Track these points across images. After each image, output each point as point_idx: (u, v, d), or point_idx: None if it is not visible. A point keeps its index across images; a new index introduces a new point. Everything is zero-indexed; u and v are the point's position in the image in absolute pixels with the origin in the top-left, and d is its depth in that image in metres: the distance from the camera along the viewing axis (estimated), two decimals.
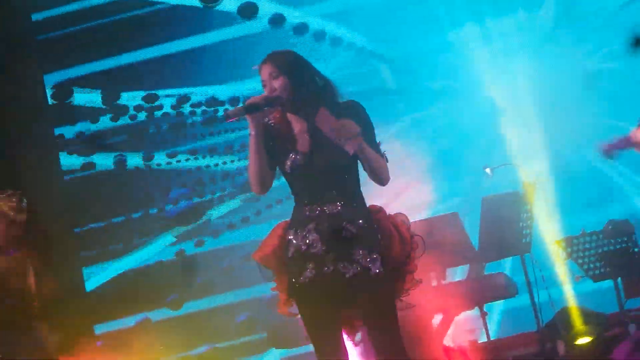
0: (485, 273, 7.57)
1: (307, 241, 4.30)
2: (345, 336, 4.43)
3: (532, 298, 7.47)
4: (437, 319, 7.14)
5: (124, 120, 9.39)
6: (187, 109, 9.39)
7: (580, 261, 7.43)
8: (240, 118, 4.28)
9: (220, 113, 9.24)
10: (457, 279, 7.86)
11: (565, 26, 9.32)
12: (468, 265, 7.62)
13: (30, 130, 8.40)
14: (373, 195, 4.50)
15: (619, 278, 7.40)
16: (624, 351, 6.85)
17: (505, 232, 7.44)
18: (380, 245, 4.31)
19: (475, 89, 9.33)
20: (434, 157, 8.40)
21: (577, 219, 8.41)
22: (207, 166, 9.49)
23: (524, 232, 7.51)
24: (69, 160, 9.23)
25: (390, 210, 4.44)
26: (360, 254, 4.26)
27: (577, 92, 8.93)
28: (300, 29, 9.30)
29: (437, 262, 6.89)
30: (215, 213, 9.49)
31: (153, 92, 9.33)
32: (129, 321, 9.19)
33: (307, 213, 4.32)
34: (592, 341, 7.00)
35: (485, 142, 9.22)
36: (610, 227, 7.40)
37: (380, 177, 4.32)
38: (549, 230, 7.88)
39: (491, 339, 7.71)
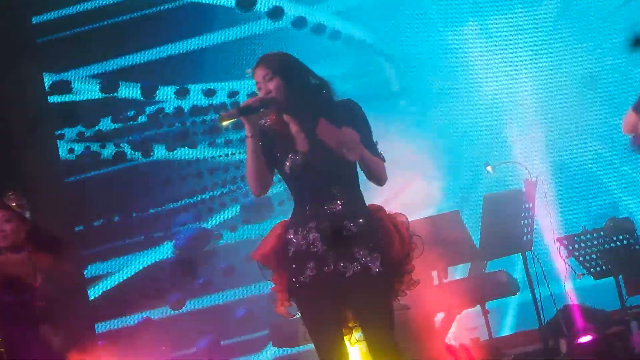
0: (487, 271, 7.56)
1: (308, 240, 4.29)
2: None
3: (533, 295, 7.46)
4: (439, 317, 7.13)
5: (123, 122, 9.43)
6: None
7: (581, 259, 7.42)
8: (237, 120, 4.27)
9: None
10: (458, 277, 7.85)
11: (566, 23, 9.32)
12: (469, 263, 7.61)
13: (31, 132, 8.41)
14: (373, 193, 4.49)
15: (620, 275, 7.39)
16: None
17: (507, 229, 7.44)
18: (381, 244, 4.30)
19: (476, 87, 9.33)
20: (435, 155, 8.38)
21: (578, 217, 8.42)
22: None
23: (525, 229, 7.50)
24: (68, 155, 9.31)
25: (391, 209, 4.44)
26: (361, 253, 4.26)
27: (579, 89, 8.93)
28: (301, 24, 9.34)
29: (438, 260, 6.89)
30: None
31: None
32: (130, 320, 9.20)
33: (307, 212, 4.31)
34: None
35: (486, 140, 9.22)
36: (611, 224, 7.39)
37: (379, 179, 4.32)
38: (550, 228, 7.87)
39: (493, 336, 7.70)
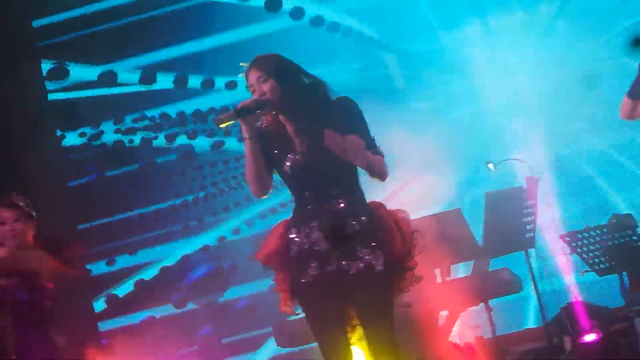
0: (490, 269, 7.55)
1: (310, 239, 4.29)
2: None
3: (537, 293, 7.45)
4: (442, 316, 7.12)
5: (125, 125, 9.45)
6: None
7: (584, 256, 7.39)
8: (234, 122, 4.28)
9: None
10: (461, 275, 7.84)
11: (566, 21, 9.31)
12: (472, 261, 7.59)
13: (31, 132, 8.41)
14: (373, 192, 4.48)
15: (624, 272, 7.38)
16: None
17: (509, 227, 7.42)
18: (382, 242, 4.29)
19: (478, 84, 9.32)
20: (437, 152, 8.38)
21: (581, 213, 8.41)
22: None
23: (527, 227, 7.49)
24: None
25: (393, 206, 4.43)
26: (364, 251, 4.25)
27: (580, 85, 8.91)
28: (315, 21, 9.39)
29: (441, 258, 6.88)
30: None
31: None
32: (133, 319, 9.22)
33: (309, 211, 4.31)
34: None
35: (488, 137, 9.21)
36: (614, 221, 7.38)
37: (381, 176, 4.31)
38: (552, 225, 7.86)
39: (497, 334, 7.69)
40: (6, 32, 8.50)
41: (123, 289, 9.38)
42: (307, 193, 4.33)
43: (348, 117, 4.29)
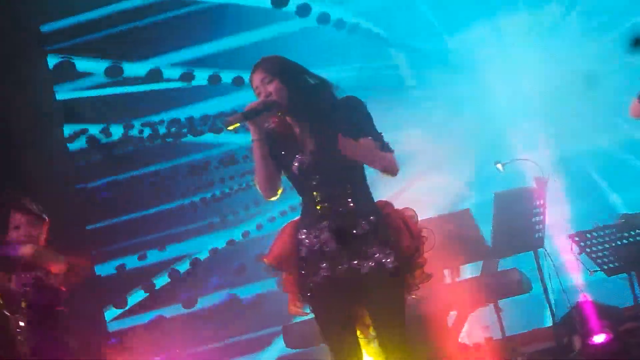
0: (499, 269, 7.54)
1: (320, 240, 4.29)
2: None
3: (546, 293, 7.45)
4: (451, 316, 7.12)
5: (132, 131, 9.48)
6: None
7: (594, 255, 7.39)
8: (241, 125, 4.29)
9: None
10: (470, 276, 7.83)
11: (572, 21, 9.31)
12: (481, 261, 7.59)
13: (31, 132, 8.44)
14: (380, 192, 4.49)
15: (633, 272, 7.37)
16: None
17: (518, 227, 7.42)
18: (391, 240, 4.30)
19: (486, 84, 9.32)
20: (446, 153, 8.39)
21: (590, 213, 8.39)
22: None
23: (536, 227, 7.48)
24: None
25: (402, 206, 4.43)
26: (374, 250, 4.26)
27: (587, 85, 8.90)
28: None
29: (450, 258, 6.87)
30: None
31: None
32: (142, 318, 9.23)
33: (318, 212, 4.31)
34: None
35: (497, 138, 9.20)
36: (623, 220, 7.37)
37: (392, 172, 4.29)
38: (561, 225, 7.85)
39: (506, 334, 7.68)
40: (6, 32, 8.50)
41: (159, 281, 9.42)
42: (315, 193, 4.33)
43: (354, 116, 4.30)
